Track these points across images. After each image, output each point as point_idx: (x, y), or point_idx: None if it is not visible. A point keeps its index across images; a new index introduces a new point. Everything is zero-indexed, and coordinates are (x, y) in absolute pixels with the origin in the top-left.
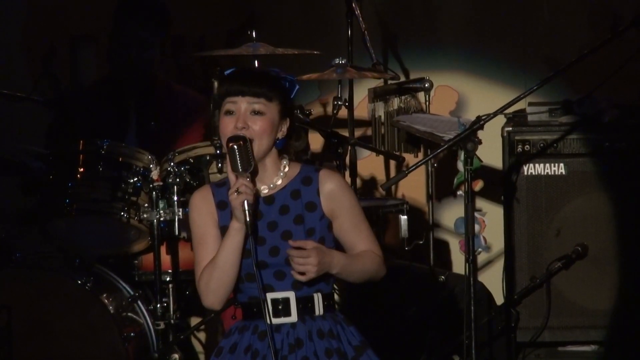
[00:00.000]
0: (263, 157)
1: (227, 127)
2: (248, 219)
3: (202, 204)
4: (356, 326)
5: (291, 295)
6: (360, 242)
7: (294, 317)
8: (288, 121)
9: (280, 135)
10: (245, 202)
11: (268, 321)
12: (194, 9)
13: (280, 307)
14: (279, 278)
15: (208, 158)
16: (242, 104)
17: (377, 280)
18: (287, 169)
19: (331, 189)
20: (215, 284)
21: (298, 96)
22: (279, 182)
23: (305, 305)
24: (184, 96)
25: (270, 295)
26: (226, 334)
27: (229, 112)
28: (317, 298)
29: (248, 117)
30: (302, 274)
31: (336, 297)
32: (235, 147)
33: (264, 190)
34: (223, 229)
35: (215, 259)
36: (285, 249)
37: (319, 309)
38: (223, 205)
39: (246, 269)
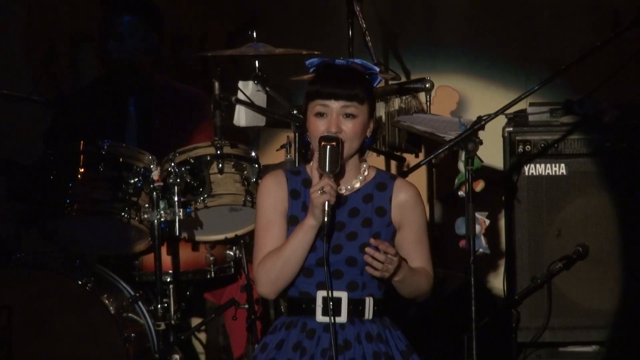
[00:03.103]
0: (350, 157)
1: (319, 129)
2: (326, 219)
3: (276, 189)
4: (402, 330)
5: (344, 295)
6: (418, 259)
7: (343, 318)
8: (374, 118)
9: (368, 133)
10: (327, 202)
11: (332, 319)
12: (194, 9)
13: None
14: (336, 277)
15: (208, 158)
16: (334, 107)
17: (420, 300)
18: (366, 172)
19: (405, 199)
20: (276, 274)
21: (298, 97)
22: (357, 184)
23: (355, 308)
24: (184, 93)
25: (322, 293)
26: (271, 330)
27: (320, 114)
28: (369, 302)
29: (340, 120)
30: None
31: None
32: (328, 147)
33: (341, 191)
34: (291, 219)
35: (282, 250)
36: (348, 249)
37: (368, 312)
38: (295, 195)
39: (305, 263)
